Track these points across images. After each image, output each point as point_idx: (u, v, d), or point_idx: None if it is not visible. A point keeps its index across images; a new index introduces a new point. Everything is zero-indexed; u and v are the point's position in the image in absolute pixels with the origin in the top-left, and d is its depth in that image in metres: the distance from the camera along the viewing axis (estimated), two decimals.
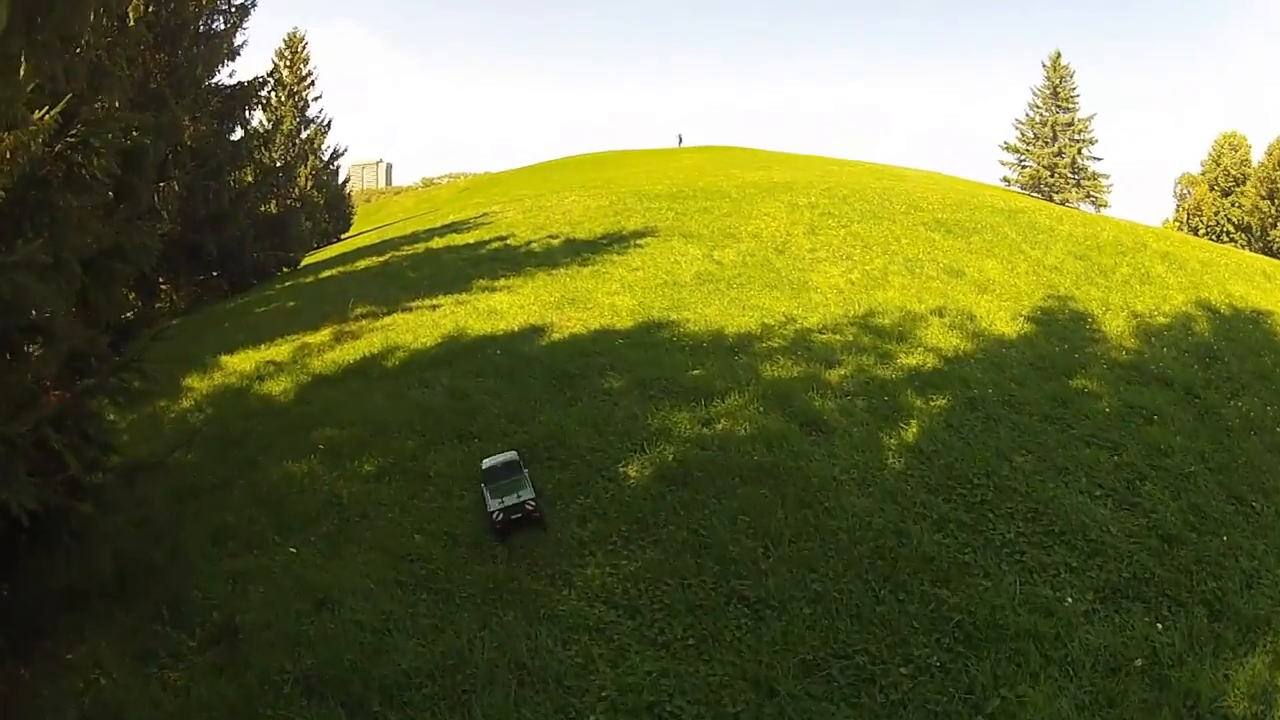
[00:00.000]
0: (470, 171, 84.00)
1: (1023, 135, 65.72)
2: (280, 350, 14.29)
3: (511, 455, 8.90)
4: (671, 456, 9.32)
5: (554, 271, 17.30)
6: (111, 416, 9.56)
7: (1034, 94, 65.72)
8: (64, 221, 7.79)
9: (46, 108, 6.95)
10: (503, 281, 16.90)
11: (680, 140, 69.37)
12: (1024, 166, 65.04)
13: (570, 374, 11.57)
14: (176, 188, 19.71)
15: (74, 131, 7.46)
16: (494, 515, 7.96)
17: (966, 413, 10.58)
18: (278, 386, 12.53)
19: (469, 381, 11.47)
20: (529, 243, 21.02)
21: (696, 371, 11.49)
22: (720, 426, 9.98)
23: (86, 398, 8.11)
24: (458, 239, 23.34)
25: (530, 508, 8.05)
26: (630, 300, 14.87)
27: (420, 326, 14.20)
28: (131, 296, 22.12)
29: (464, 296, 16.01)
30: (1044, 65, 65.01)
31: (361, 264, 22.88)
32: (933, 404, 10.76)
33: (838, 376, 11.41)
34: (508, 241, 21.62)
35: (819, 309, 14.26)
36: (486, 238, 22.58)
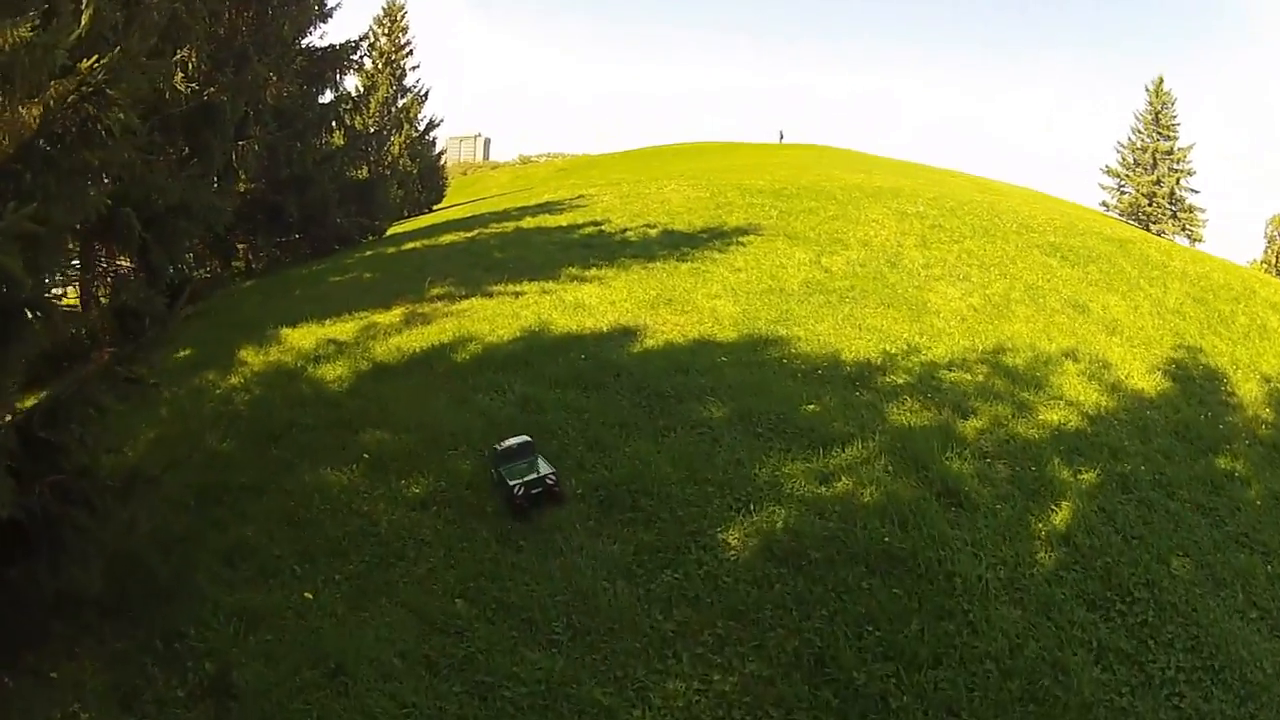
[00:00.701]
0: (568, 152, 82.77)
1: (1123, 160, 61.44)
2: (345, 328, 12.91)
3: (525, 438, 8.26)
4: (782, 524, 7.58)
5: (650, 265, 15.67)
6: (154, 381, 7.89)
7: (1136, 119, 61.32)
8: (70, 181, 6.32)
9: (95, 57, 5.90)
10: (594, 271, 15.30)
11: (781, 136, 66.99)
12: (1123, 193, 60.93)
13: (664, 394, 9.93)
14: (257, 147, 18.45)
15: (89, 81, 5.98)
16: (515, 491, 7.46)
17: (1119, 494, 8.79)
18: (334, 372, 11.12)
19: (546, 391, 9.91)
20: (624, 230, 19.37)
21: (812, 406, 9.77)
22: (841, 486, 8.23)
23: (81, 391, 6.57)
24: (550, 220, 21.77)
25: (550, 482, 7.64)
26: (733, 307, 13.18)
27: (499, 316, 12.66)
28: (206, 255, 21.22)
29: (550, 285, 14.44)
30: (1146, 89, 60.54)
31: (447, 238, 21.45)
32: (1082, 478, 8.94)
33: (974, 430, 9.61)
34: (602, 227, 19.99)
35: (943, 338, 12.48)
36: (580, 221, 20.98)
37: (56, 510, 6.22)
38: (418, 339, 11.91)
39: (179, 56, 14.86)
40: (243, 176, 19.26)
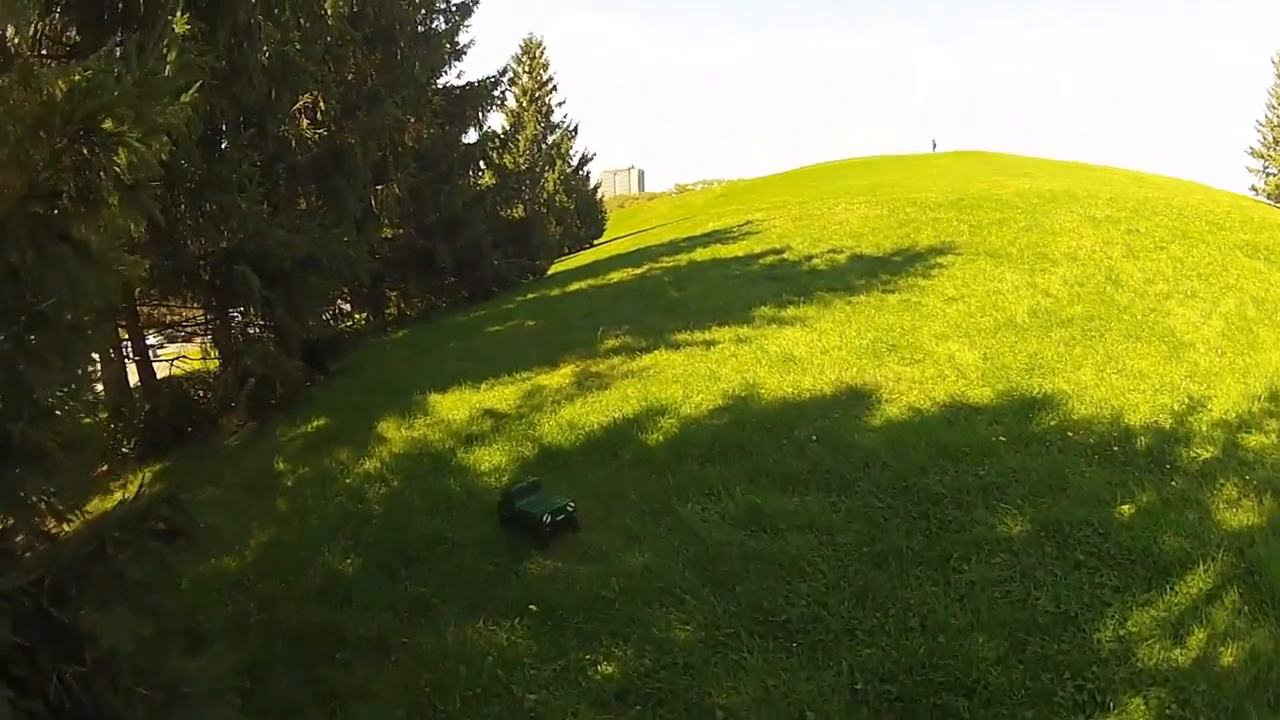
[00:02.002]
0: (723, 178, 79.77)
1: (1264, 139, 53.68)
2: (505, 394, 10.43)
3: (533, 479, 7.59)
4: None
5: (852, 299, 12.70)
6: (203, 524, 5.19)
7: (1269, 94, 53.48)
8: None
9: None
10: (791, 310, 12.40)
11: (934, 145, 62.37)
12: (1269, 174, 53.53)
13: (937, 497, 6.94)
14: (398, 191, 16.50)
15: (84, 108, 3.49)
16: (544, 520, 6.87)
17: None
18: (490, 459, 8.55)
19: (775, 497, 7.04)
20: (809, 257, 16.45)
21: (1126, 508, 6.69)
22: (1195, 643, 5.28)
23: (97, 553, 4.01)
24: (724, 250, 18.93)
25: (571, 509, 7.05)
26: (971, 352, 10.12)
27: (692, 376, 9.88)
28: (348, 308, 19.36)
29: (745, 330, 11.61)
30: (1273, 62, 52.85)
31: (615, 276, 18.86)
32: None
33: None
34: (784, 256, 17.07)
35: (1214, 382, 9.49)
36: (758, 250, 18.09)
37: None
38: (594, 410, 9.23)
39: (302, 103, 13.60)
40: (385, 223, 17.36)
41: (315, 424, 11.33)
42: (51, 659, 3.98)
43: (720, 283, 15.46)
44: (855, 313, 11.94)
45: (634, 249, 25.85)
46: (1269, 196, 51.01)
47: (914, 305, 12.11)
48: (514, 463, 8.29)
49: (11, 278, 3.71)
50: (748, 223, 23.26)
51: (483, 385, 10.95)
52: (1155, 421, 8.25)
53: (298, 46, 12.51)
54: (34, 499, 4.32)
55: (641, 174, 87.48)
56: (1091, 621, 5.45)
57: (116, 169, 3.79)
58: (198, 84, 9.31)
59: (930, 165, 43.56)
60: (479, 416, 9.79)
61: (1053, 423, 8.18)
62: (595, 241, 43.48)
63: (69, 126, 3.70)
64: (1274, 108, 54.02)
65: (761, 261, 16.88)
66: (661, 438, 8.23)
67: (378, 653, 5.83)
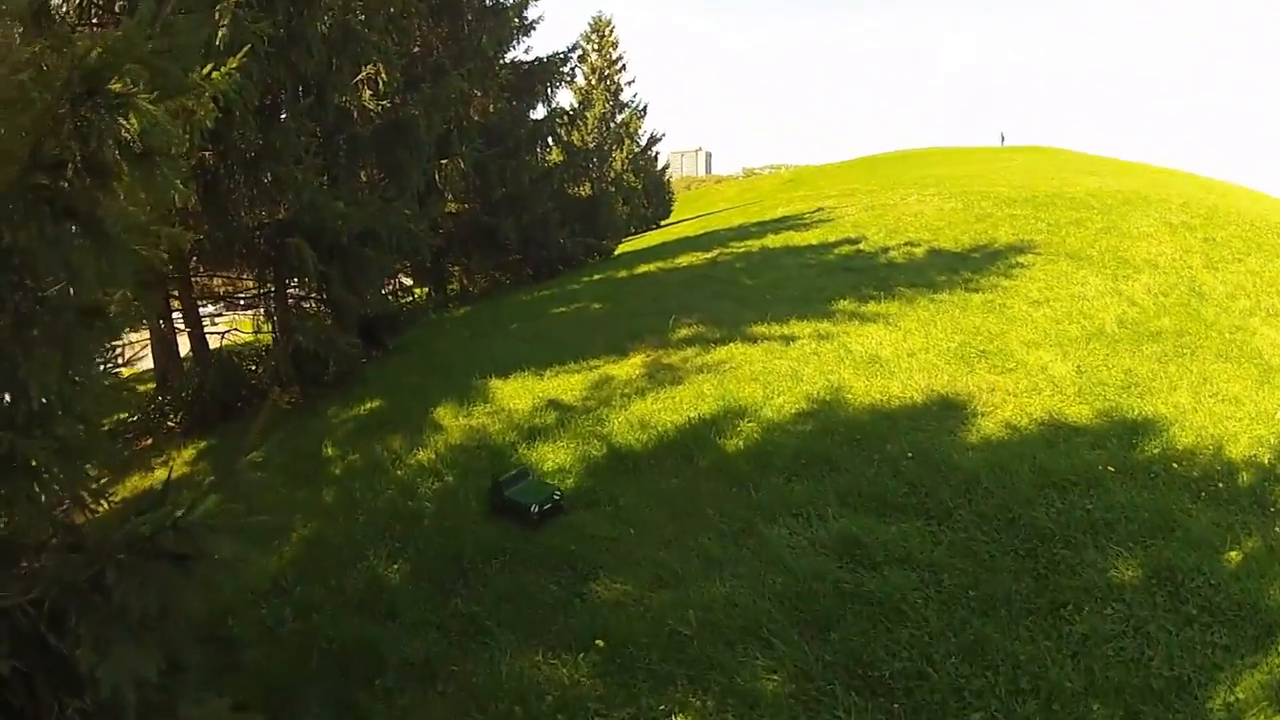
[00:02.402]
0: (790, 163, 78.23)
1: None
2: (571, 384, 9.75)
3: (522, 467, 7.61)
4: None
5: (935, 297, 11.85)
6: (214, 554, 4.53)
7: None
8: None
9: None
10: (872, 306, 11.61)
11: (1003, 139, 60.17)
12: None
13: (1041, 531, 6.12)
14: (463, 166, 15.86)
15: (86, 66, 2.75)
16: (532, 510, 6.82)
17: None
18: (554, 457, 7.90)
19: (871, 525, 6.24)
20: (885, 250, 15.57)
21: (1233, 555, 5.82)
22: None
23: (96, 580, 3.34)
24: (797, 238, 18.10)
25: (557, 498, 6.98)
26: (1064, 364, 9.21)
27: (772, 374, 9.10)
28: (409, 283, 18.84)
29: (824, 325, 10.81)
30: None
31: (684, 260, 18.08)
32: None
33: None
34: (859, 247, 16.19)
35: None
36: (832, 239, 17.26)
37: None
38: (667, 407, 8.49)
39: (364, 74, 12.93)
40: (449, 198, 16.73)
41: (369, 405, 10.76)
42: (51, 689, 3.42)
43: (795, 272, 14.65)
44: (939, 312, 11.08)
45: (702, 232, 25.04)
46: None
47: (999, 307, 11.22)
48: (580, 462, 7.59)
49: (4, 258, 3.11)
50: (819, 210, 22.36)
51: (546, 372, 10.29)
52: (1255, 456, 7.27)
53: (360, 16, 11.94)
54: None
55: (709, 156, 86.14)
56: (1204, 686, 4.67)
57: (126, 135, 3.12)
58: (246, 48, 8.70)
59: (998, 159, 41.87)
60: (542, 407, 9.12)
61: (1156, 451, 7.26)
62: (662, 223, 42.60)
63: (69, 89, 3.06)
64: None
65: (837, 251, 16.03)
66: (742, 444, 7.46)
67: (422, 680, 5.19)
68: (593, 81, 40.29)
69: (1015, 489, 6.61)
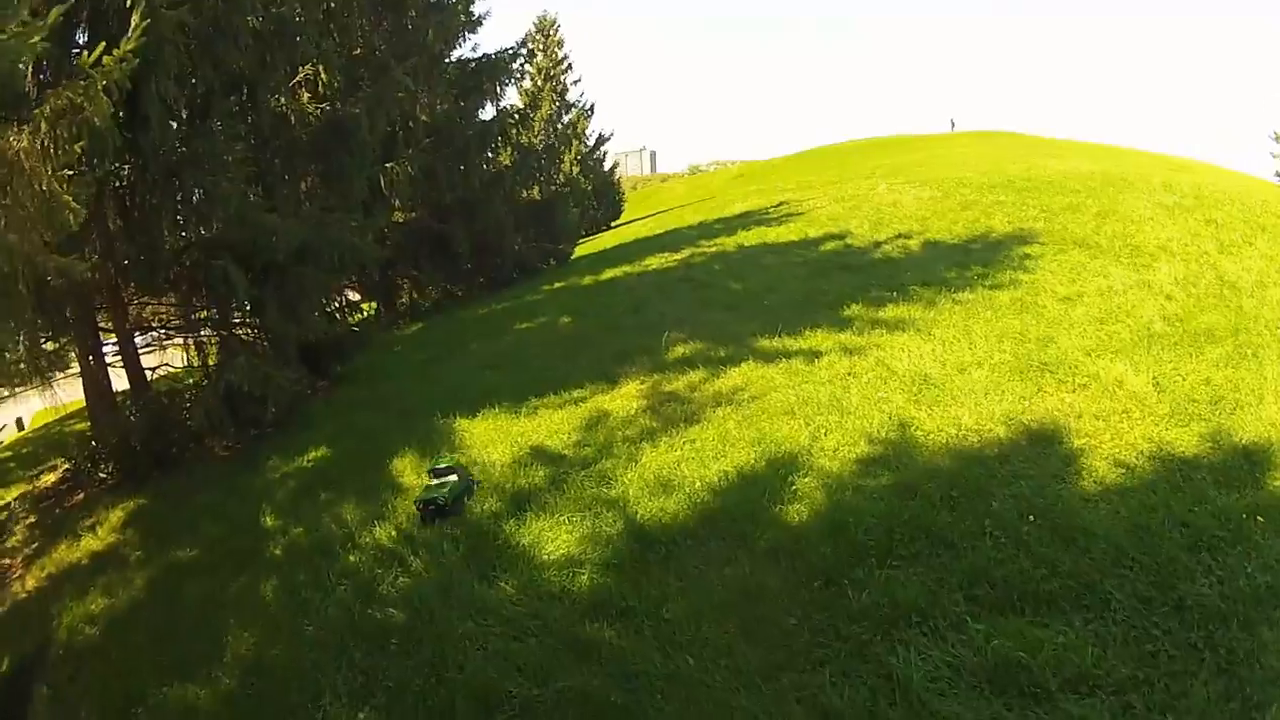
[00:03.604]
0: (736, 158, 76.11)
1: None
2: (556, 422, 7.98)
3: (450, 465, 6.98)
4: None
5: (956, 297, 10.04)
6: None
7: None
8: None
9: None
10: (891, 310, 9.80)
11: (953, 124, 58.84)
12: None
13: (1211, 612, 4.47)
14: (410, 170, 13.83)
15: None
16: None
17: None
18: (555, 542, 5.98)
19: (1022, 630, 4.44)
20: (877, 244, 13.78)
21: None
22: None
23: None
24: (771, 234, 16.24)
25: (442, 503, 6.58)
26: (1137, 376, 7.42)
27: (809, 405, 7.32)
28: (356, 298, 16.77)
29: (845, 336, 9.05)
30: None
31: (653, 262, 16.16)
32: None
33: None
34: (847, 241, 14.40)
35: None
36: (813, 235, 15.42)
37: None
38: (688, 458, 6.63)
39: (303, 75, 11.71)
40: (397, 205, 14.73)
41: (315, 454, 8.86)
42: None
43: (784, 272, 12.85)
44: (969, 315, 9.34)
45: (662, 232, 23.05)
46: None
47: (1030, 306, 9.52)
48: (593, 547, 5.63)
49: None
50: (781, 204, 20.55)
51: (524, 407, 8.41)
52: None
53: (297, 8, 10.33)
54: None
55: (653, 155, 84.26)
56: None
57: None
58: (143, 24, 6.72)
59: (953, 145, 40.41)
60: (526, 459, 7.20)
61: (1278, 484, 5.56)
62: (613, 224, 40.61)
63: None
64: None
65: (823, 248, 14.22)
66: (806, 512, 5.55)
67: None
68: (539, 82, 38.22)
69: (1166, 556, 4.84)
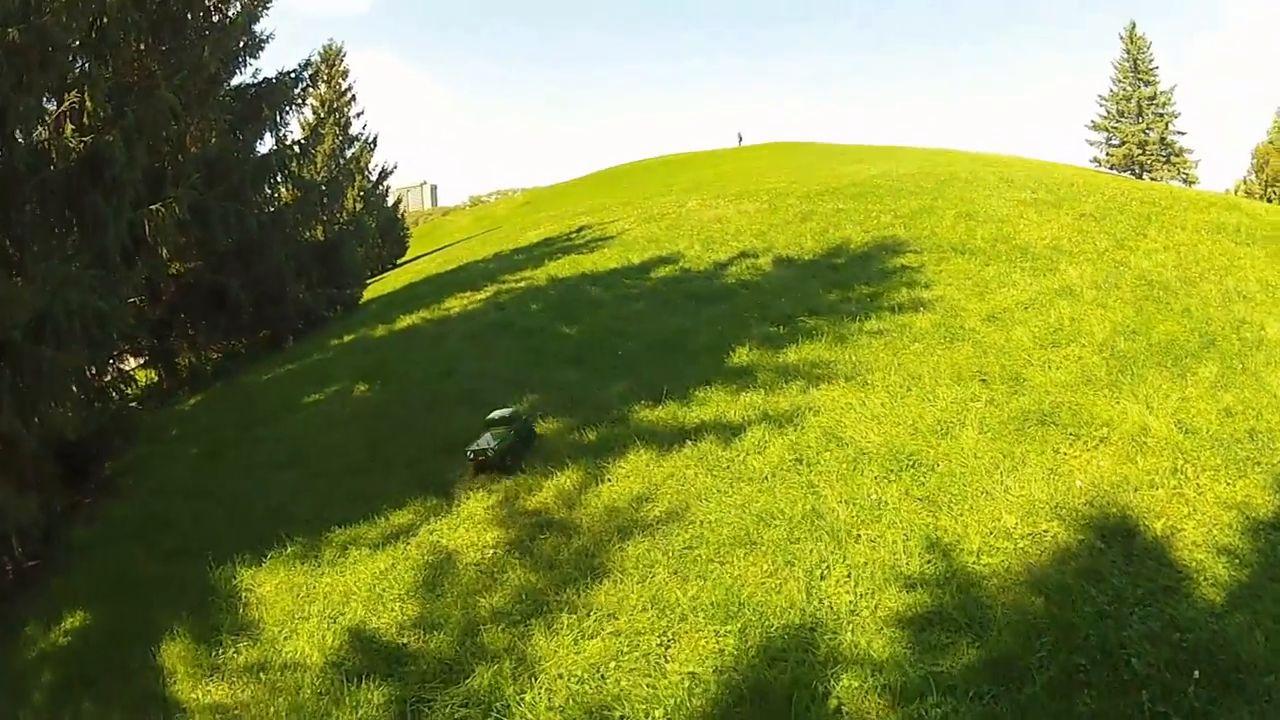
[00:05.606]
0: (517, 187, 72.75)
1: (1108, 112, 54.98)
2: (377, 575, 5.39)
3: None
4: None
5: (866, 327, 8.17)
6: None
7: (1114, 68, 55.13)
8: None
9: None
10: (794, 352, 7.69)
11: (740, 139, 58.26)
12: (1113, 145, 54.20)
13: None
14: (178, 212, 10.41)
15: None
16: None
17: None
18: None
19: None
20: (719, 266, 11.50)
21: None
22: None
23: None
24: (585, 261, 13.49)
25: (491, 455, 6.07)
26: (1156, 418, 6.03)
27: (762, 519, 5.14)
28: (132, 365, 12.85)
29: (754, 396, 6.86)
30: (1120, 37, 54.66)
31: (454, 305, 13.07)
32: None
33: None
34: (681, 265, 11.95)
35: None
36: (636, 260, 12.85)
37: None
38: (622, 659, 4.11)
39: (67, 104, 9.16)
40: (165, 254, 11.14)
41: (71, 623, 5.81)
42: None
43: (621, 309, 10.36)
44: (895, 351, 7.51)
45: (454, 267, 19.71)
46: (1114, 166, 51.74)
47: (957, 332, 7.85)
48: None
49: None
50: (583, 228, 17.88)
51: (326, 543, 5.70)
52: None
53: (62, 18, 7.81)
54: None
55: (434, 188, 79.49)
56: None
57: None
58: None
59: (749, 158, 39.35)
60: (347, 658, 4.32)
61: None
62: (398, 261, 36.90)
63: None
64: (1119, 81, 54.59)
65: (655, 274, 11.78)
66: None
67: None
68: (321, 115, 33.98)
69: None
